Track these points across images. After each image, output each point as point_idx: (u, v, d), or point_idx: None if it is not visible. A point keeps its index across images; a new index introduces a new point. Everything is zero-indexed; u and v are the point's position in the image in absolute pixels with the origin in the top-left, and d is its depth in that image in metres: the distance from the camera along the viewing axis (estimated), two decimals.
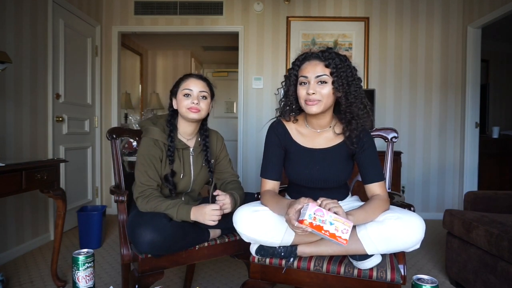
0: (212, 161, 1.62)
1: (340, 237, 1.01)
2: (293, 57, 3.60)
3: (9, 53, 2.26)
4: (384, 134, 1.63)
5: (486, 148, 3.95)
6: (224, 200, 1.38)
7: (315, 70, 1.24)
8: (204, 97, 1.49)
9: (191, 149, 1.56)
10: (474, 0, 3.45)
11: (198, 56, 6.07)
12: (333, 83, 1.23)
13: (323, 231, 1.01)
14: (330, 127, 1.36)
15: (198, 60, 6.17)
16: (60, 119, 2.93)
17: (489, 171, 4.07)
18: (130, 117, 5.16)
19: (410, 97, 3.70)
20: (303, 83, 1.27)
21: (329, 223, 1.01)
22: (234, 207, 1.42)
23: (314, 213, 1.01)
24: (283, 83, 1.37)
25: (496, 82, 5.14)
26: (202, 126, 1.59)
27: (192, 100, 1.45)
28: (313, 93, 1.22)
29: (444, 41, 3.67)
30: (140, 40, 5.16)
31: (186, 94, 1.46)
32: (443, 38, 3.67)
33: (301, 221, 1.01)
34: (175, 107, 1.52)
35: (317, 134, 1.36)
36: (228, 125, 6.12)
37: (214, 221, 1.34)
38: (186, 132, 1.54)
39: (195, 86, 1.47)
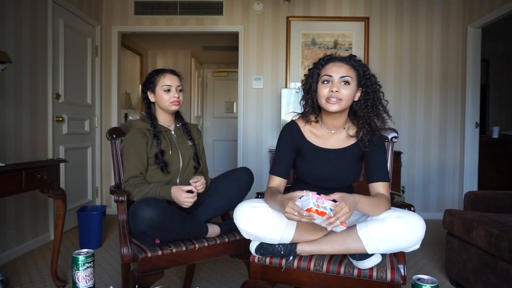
0: (196, 143, 1.76)
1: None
2: (293, 57, 3.66)
3: (9, 53, 2.26)
4: (384, 134, 1.62)
5: (486, 148, 3.94)
6: (197, 180, 1.51)
7: (340, 71, 1.28)
8: (181, 90, 1.66)
9: (172, 131, 1.70)
10: (474, 0, 3.45)
11: (198, 56, 6.07)
12: (358, 85, 1.30)
13: (325, 217, 1.06)
14: (344, 128, 1.39)
15: (198, 60, 6.17)
16: (60, 119, 2.93)
17: (489, 171, 4.07)
18: (130, 117, 5.18)
19: (410, 97, 3.70)
20: (326, 82, 1.30)
21: (329, 209, 1.07)
22: (207, 186, 1.62)
23: (317, 201, 1.07)
24: (303, 82, 1.40)
25: (496, 82, 5.13)
26: (178, 114, 1.76)
27: (173, 94, 1.61)
28: (337, 91, 1.26)
29: (444, 41, 3.67)
30: (140, 40, 5.16)
31: (166, 90, 1.61)
32: (443, 38, 3.67)
33: (308, 210, 1.06)
34: (152, 100, 1.67)
35: (331, 135, 1.39)
36: (228, 125, 6.11)
37: (188, 203, 1.45)
38: (165, 120, 1.69)
39: (172, 81, 1.63)
